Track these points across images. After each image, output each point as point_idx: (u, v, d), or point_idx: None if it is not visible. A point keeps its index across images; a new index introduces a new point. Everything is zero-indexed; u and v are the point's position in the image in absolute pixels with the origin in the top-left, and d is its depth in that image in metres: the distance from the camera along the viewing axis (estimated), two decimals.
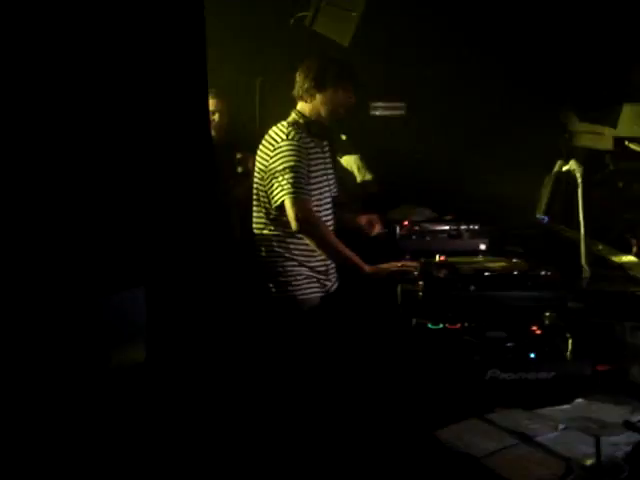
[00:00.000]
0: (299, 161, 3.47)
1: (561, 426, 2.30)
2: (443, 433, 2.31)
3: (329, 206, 3.70)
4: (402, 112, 5.52)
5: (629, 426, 2.34)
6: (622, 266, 3.60)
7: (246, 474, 2.94)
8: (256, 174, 3.66)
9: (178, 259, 2.97)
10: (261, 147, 3.69)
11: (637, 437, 2.26)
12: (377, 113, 5.60)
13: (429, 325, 2.86)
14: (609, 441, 2.19)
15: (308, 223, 3.44)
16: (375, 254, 3.76)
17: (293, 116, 3.67)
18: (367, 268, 3.56)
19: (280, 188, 3.46)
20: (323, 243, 3.49)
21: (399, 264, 3.49)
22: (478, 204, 4.24)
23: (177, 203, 2.93)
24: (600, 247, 3.67)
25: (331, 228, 3.66)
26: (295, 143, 3.52)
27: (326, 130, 3.71)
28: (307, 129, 3.60)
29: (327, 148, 3.78)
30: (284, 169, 3.45)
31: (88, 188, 2.76)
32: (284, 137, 3.55)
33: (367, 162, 4.89)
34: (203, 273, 3.04)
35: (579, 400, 2.53)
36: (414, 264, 3.40)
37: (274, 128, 3.69)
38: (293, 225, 3.45)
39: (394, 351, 2.97)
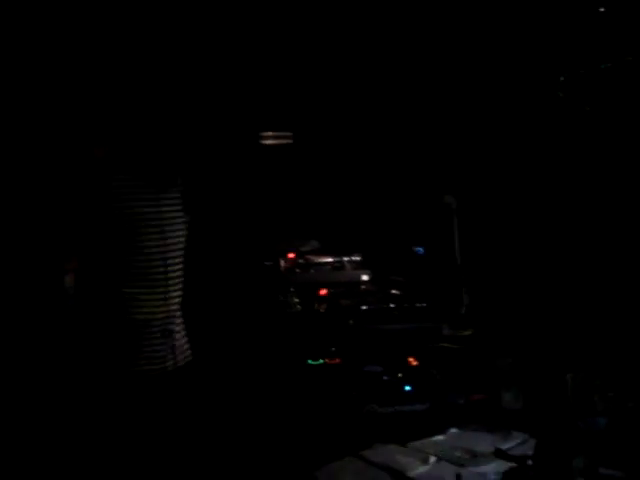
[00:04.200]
0: None
1: (432, 459, 2.36)
2: (321, 474, 2.34)
3: None
4: (289, 141, 5.55)
5: (499, 454, 2.42)
6: None
7: None
8: None
9: None
10: None
11: (506, 465, 2.33)
12: (267, 142, 5.63)
13: (309, 361, 2.88)
14: (476, 471, 2.26)
15: None
16: (261, 286, 3.76)
17: None
18: None
19: None
20: None
21: None
22: (364, 235, 4.30)
23: None
24: None
25: None
26: None
27: None
28: None
29: None
30: None
31: None
32: None
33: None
34: None
35: (453, 430, 2.60)
36: None
37: None
38: None
39: (277, 388, 2.99)
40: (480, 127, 4.14)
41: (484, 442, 2.50)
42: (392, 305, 3.08)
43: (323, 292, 3.35)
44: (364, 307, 3.07)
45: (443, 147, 4.19)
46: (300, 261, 3.90)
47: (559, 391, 2.60)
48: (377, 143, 4.74)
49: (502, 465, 2.33)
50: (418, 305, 3.06)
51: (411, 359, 2.88)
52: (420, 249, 3.36)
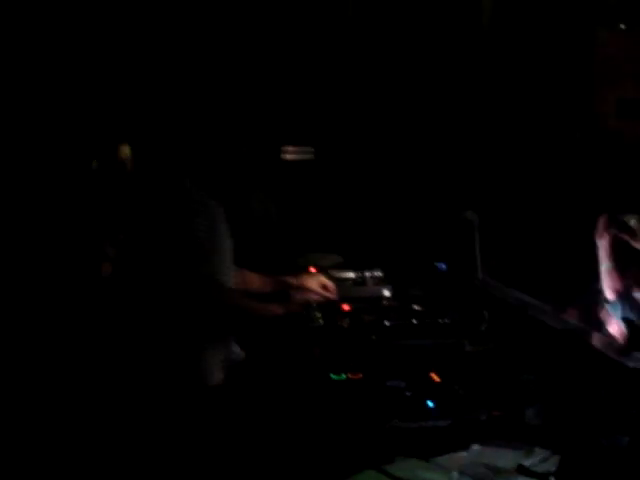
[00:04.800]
0: None
1: (455, 474, 2.37)
2: None
3: None
4: (311, 156, 5.60)
5: (522, 471, 2.42)
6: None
7: None
8: None
9: None
10: None
11: None
12: (288, 157, 5.68)
13: (332, 376, 2.90)
14: None
15: None
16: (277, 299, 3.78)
17: None
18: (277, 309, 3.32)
19: None
20: None
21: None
22: (385, 250, 4.34)
23: None
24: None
25: None
26: None
27: None
28: None
29: None
30: None
31: None
32: None
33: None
34: None
35: (475, 446, 2.60)
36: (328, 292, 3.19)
37: None
38: None
39: (299, 402, 3.01)
40: (501, 143, 4.17)
41: (506, 458, 2.50)
42: (414, 321, 3.10)
43: (346, 307, 3.38)
44: (387, 323, 3.09)
45: (465, 163, 4.23)
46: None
47: (582, 408, 2.60)
48: (399, 159, 4.78)
49: None
50: (440, 321, 3.07)
51: (433, 375, 2.89)
52: (442, 265, 3.38)
